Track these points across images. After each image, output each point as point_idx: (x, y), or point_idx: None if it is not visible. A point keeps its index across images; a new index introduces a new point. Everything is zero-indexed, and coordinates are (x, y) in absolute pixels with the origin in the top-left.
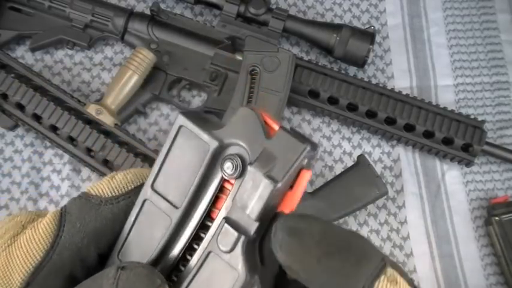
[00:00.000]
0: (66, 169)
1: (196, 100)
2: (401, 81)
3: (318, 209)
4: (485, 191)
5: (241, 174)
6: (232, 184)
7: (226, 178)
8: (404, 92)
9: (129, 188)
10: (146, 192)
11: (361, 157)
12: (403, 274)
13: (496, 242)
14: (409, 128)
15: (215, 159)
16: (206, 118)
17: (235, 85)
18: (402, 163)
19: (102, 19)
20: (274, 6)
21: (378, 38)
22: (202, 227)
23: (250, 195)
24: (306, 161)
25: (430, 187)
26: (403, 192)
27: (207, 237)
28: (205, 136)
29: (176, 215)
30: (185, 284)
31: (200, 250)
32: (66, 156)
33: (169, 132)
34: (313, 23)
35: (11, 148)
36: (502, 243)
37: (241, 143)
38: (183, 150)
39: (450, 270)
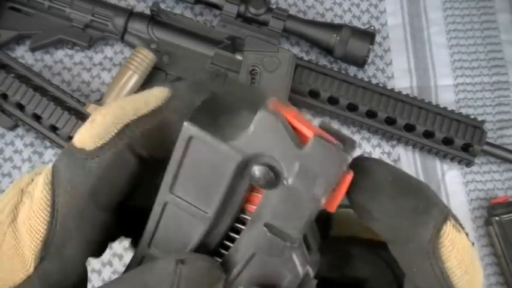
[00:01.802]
0: None
1: None
2: (402, 81)
3: None
4: (486, 191)
5: (274, 185)
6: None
7: (255, 185)
8: (404, 92)
9: (112, 133)
10: (166, 196)
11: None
12: (462, 226)
13: (496, 242)
14: (409, 128)
15: (241, 171)
16: (222, 112)
17: None
18: (402, 163)
19: (102, 19)
20: (274, 6)
21: (378, 38)
22: (238, 221)
23: (292, 210)
24: (347, 165)
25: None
26: None
27: (246, 236)
28: (224, 148)
29: (206, 220)
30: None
31: (241, 250)
32: None
33: (177, 142)
34: (313, 23)
35: (11, 148)
36: (502, 243)
37: (270, 154)
38: (200, 158)
39: None
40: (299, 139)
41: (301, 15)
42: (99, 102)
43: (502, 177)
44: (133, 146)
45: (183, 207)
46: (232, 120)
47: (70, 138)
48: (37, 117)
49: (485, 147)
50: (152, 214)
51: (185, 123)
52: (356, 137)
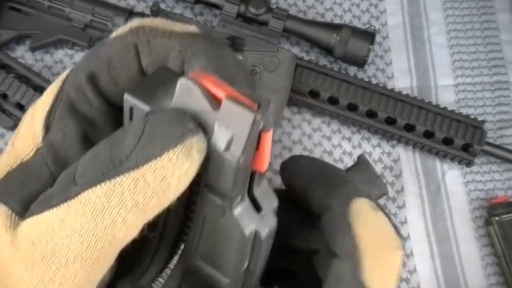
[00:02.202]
0: None
1: None
2: (402, 81)
3: None
4: (486, 191)
5: None
6: None
7: None
8: (404, 92)
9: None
10: None
11: (361, 157)
12: (384, 210)
13: (496, 242)
14: (409, 128)
15: None
16: (156, 84)
17: None
18: (402, 163)
19: (102, 19)
20: (274, 6)
21: (378, 38)
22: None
23: (219, 169)
24: (261, 124)
25: (430, 187)
26: (403, 192)
27: (198, 202)
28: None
29: None
30: (196, 240)
31: (197, 212)
32: None
33: (123, 115)
34: (313, 23)
35: None
36: (502, 243)
37: (194, 116)
38: None
39: (450, 270)
40: (216, 102)
41: (301, 15)
42: None
43: (502, 177)
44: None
45: None
46: (167, 90)
47: None
48: None
49: (485, 147)
50: None
51: (125, 96)
52: (356, 137)
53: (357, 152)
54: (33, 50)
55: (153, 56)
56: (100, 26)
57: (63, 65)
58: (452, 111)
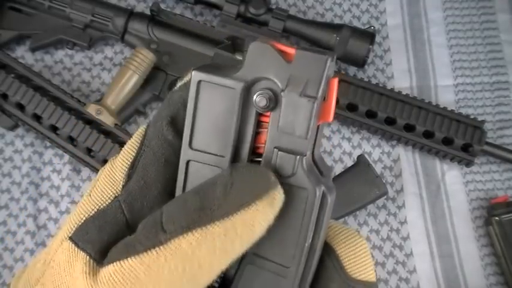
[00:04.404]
0: (66, 169)
1: None
2: (401, 81)
3: None
4: (485, 191)
5: (275, 104)
6: (268, 116)
7: (261, 112)
8: (404, 92)
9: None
10: (186, 153)
11: (361, 157)
12: None
13: (496, 242)
14: (409, 128)
15: (245, 100)
16: (220, 65)
17: None
18: (402, 163)
19: (102, 19)
20: (274, 6)
21: (378, 38)
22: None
23: (294, 118)
24: (331, 70)
25: (430, 187)
26: (403, 192)
27: None
28: (228, 81)
29: (224, 163)
30: None
31: None
32: (66, 156)
33: (189, 92)
34: (313, 23)
35: (11, 148)
36: (502, 243)
37: (266, 76)
38: (211, 103)
39: (450, 270)
40: (286, 57)
41: (301, 16)
42: (99, 102)
43: (502, 177)
44: None
45: (202, 159)
46: (230, 67)
47: (71, 138)
48: (37, 117)
49: (485, 147)
50: (178, 181)
51: (193, 72)
52: (356, 137)
53: (356, 152)
54: (33, 50)
55: None
56: (100, 26)
57: (63, 65)
58: (452, 111)
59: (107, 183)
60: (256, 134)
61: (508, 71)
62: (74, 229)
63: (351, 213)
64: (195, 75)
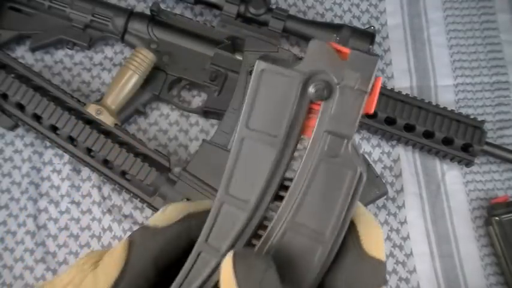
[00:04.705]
0: (66, 169)
1: (196, 100)
2: (401, 81)
3: None
4: (485, 191)
5: (329, 95)
6: (319, 105)
7: (314, 101)
8: (404, 92)
9: (179, 217)
10: (243, 131)
11: None
12: None
13: (496, 242)
14: (409, 128)
15: (303, 89)
16: (282, 59)
17: (235, 85)
18: (402, 163)
19: (102, 19)
20: (274, 6)
21: (378, 38)
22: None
23: (346, 108)
24: (377, 69)
25: (430, 187)
26: (403, 192)
27: (309, 151)
28: (288, 72)
29: (277, 142)
30: (298, 199)
31: (306, 165)
32: (66, 156)
33: (252, 78)
34: (313, 23)
35: (11, 148)
36: (502, 243)
37: (323, 69)
38: (270, 89)
39: (450, 270)
40: (341, 56)
41: (301, 15)
42: (99, 102)
43: (502, 177)
44: (189, 230)
45: (257, 137)
46: (289, 61)
47: (71, 138)
48: (37, 117)
49: (485, 147)
50: (231, 155)
51: (257, 61)
52: (356, 137)
53: None
54: (33, 50)
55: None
56: (100, 26)
57: (63, 65)
58: (452, 111)
59: None
60: (308, 118)
61: (508, 71)
62: None
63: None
64: (259, 64)
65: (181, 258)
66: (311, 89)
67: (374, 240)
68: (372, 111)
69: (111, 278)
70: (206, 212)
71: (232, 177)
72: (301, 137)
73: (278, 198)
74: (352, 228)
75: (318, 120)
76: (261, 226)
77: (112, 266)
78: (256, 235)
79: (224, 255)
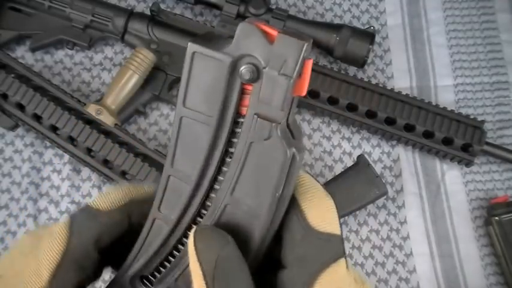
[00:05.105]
0: (66, 169)
1: None
2: (401, 81)
3: None
4: (485, 191)
5: (257, 78)
6: (252, 85)
7: (245, 83)
8: (404, 92)
9: (121, 203)
10: (181, 110)
11: (361, 157)
12: None
13: (496, 242)
14: (409, 128)
15: (232, 71)
16: (214, 37)
17: None
18: (402, 163)
19: (102, 19)
20: (274, 7)
21: (377, 38)
22: (236, 124)
23: (272, 92)
24: (307, 53)
25: (430, 187)
26: (403, 192)
27: (243, 131)
28: (218, 55)
29: (213, 121)
30: (235, 176)
31: (241, 144)
32: (66, 156)
33: (185, 60)
34: (313, 23)
35: (11, 148)
36: (502, 243)
37: (251, 53)
38: (202, 71)
39: (450, 270)
40: (269, 38)
41: (301, 16)
42: (99, 102)
43: (502, 177)
44: (130, 216)
45: (193, 117)
46: (222, 40)
47: (71, 138)
48: (37, 117)
49: (485, 147)
50: (172, 133)
51: (189, 43)
52: (356, 137)
53: (356, 152)
54: (33, 50)
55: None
56: (100, 27)
57: (63, 65)
58: (451, 111)
59: (32, 276)
60: (241, 98)
61: (508, 71)
62: None
63: (351, 213)
64: (190, 47)
65: (123, 237)
66: (241, 72)
67: (321, 215)
68: (303, 93)
69: (53, 260)
70: (148, 201)
71: (176, 153)
72: (240, 116)
73: (222, 173)
74: (295, 204)
75: (249, 103)
76: (209, 198)
77: (54, 247)
78: (204, 206)
79: (174, 223)
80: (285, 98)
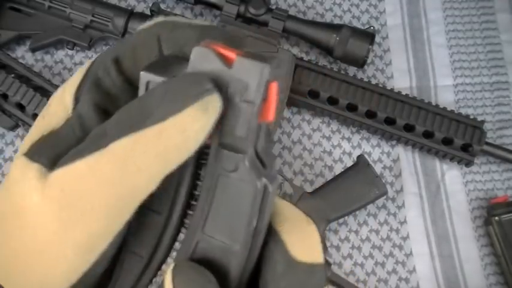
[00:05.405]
0: None
1: None
2: (401, 81)
3: (317, 209)
4: (485, 191)
5: None
6: None
7: None
8: (404, 92)
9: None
10: None
11: (360, 157)
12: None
13: (495, 242)
14: (409, 128)
15: None
16: (169, 63)
17: None
18: (402, 163)
19: (103, 19)
20: (274, 7)
21: (377, 38)
22: (203, 155)
23: (235, 120)
24: (270, 76)
25: (430, 187)
26: (402, 192)
27: (209, 164)
28: None
29: None
30: (204, 211)
31: (208, 178)
32: None
33: (139, 91)
34: (313, 23)
35: (11, 148)
36: (502, 243)
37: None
38: None
39: (450, 270)
40: (227, 62)
41: (301, 16)
42: None
43: (502, 177)
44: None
45: None
46: (180, 65)
47: None
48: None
49: (485, 147)
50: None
51: (141, 72)
52: (356, 137)
53: (356, 152)
54: (33, 50)
55: (173, 43)
56: (100, 27)
57: (64, 65)
58: (451, 112)
59: (58, 107)
60: None
61: (508, 71)
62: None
63: (351, 213)
64: (143, 76)
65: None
66: None
67: (303, 244)
68: (270, 118)
69: (75, 82)
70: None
71: None
72: (207, 147)
73: (192, 207)
74: (276, 237)
75: (213, 133)
76: (181, 233)
77: (78, 73)
78: (175, 241)
79: (147, 260)
80: (249, 126)
